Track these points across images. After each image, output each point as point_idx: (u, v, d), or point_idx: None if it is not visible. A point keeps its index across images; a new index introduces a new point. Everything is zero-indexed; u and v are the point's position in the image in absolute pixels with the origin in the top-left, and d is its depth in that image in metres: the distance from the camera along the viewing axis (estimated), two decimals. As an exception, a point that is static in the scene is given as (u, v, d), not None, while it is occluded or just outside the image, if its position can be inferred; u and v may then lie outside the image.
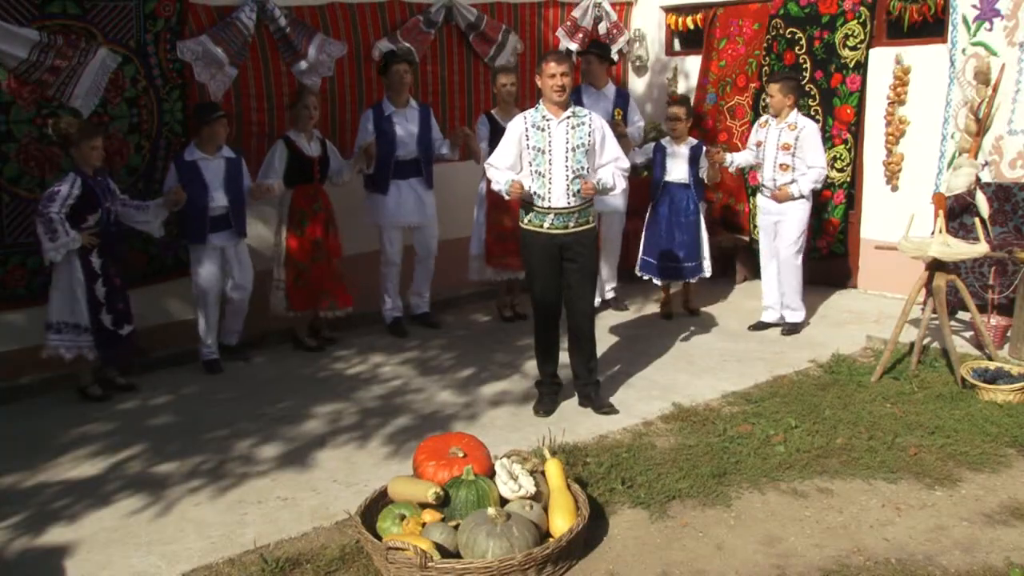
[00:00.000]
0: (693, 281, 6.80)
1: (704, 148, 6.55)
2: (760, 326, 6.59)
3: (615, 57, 8.44)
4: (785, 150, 6.21)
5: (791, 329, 6.45)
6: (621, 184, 5.03)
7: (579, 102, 6.57)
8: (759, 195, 6.55)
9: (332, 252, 6.30)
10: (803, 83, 7.34)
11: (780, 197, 6.26)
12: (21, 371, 5.61)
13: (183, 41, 5.98)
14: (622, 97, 6.97)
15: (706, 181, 6.60)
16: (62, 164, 5.63)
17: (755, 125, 6.56)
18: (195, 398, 5.53)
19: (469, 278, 7.00)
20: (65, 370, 5.66)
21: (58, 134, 5.35)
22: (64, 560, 3.66)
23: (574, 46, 8.10)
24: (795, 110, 6.26)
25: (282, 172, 6.04)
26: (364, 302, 6.75)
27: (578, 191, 4.81)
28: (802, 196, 6.22)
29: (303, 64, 6.59)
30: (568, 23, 8.14)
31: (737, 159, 6.57)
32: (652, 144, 6.82)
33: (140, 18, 5.79)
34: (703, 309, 7.10)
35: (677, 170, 6.58)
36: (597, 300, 7.09)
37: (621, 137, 6.67)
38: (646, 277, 6.84)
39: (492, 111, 6.68)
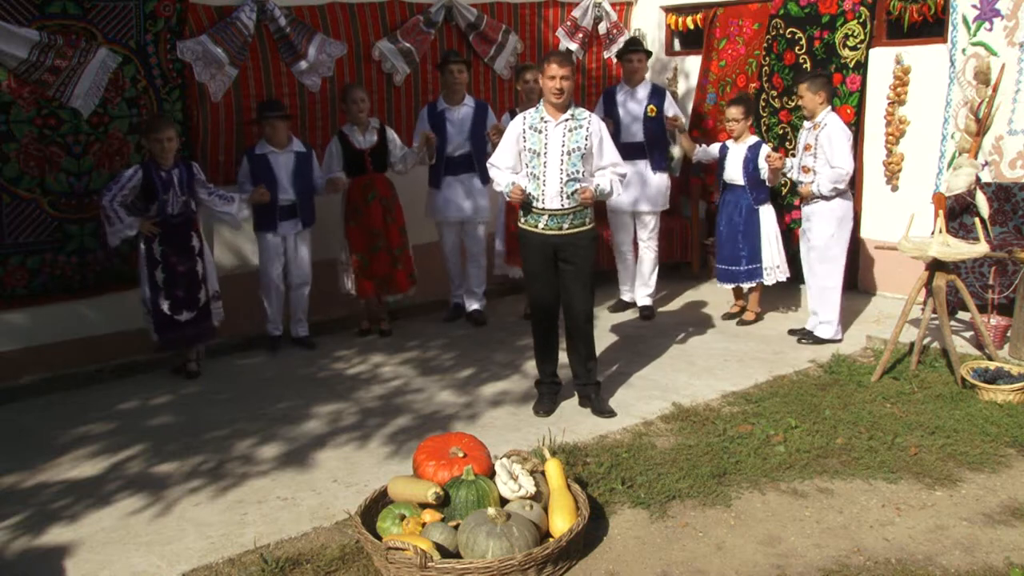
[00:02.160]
0: (750, 285, 6.57)
1: (761, 150, 6.30)
2: (799, 332, 6.33)
3: (614, 58, 8.48)
4: (807, 151, 5.99)
5: (814, 340, 6.13)
6: (619, 189, 5.01)
7: (613, 100, 6.73)
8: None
9: (392, 241, 6.44)
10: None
11: (803, 195, 6.05)
12: (21, 371, 5.61)
13: (183, 41, 5.98)
14: (658, 93, 6.87)
15: (767, 183, 6.36)
16: (62, 164, 5.64)
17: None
18: (195, 398, 5.53)
19: (495, 273, 7.11)
20: (64, 369, 5.69)
21: (138, 128, 5.77)
22: (64, 560, 3.65)
23: (574, 46, 8.11)
24: (828, 108, 5.94)
25: (341, 165, 6.34)
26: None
27: (573, 193, 4.80)
28: (822, 196, 5.90)
29: (303, 64, 6.59)
30: (568, 23, 8.14)
31: (795, 164, 6.27)
32: (718, 145, 6.66)
33: (140, 18, 5.79)
34: (706, 311, 7.10)
35: (733, 171, 6.45)
36: (629, 296, 7.11)
37: (682, 132, 6.73)
38: (718, 284, 6.77)
39: (516, 108, 6.69)
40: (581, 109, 4.94)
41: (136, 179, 5.45)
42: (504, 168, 4.91)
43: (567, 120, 4.80)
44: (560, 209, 4.81)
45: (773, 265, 6.49)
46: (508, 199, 4.88)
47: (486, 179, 6.52)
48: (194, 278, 5.71)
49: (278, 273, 6.26)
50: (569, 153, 4.78)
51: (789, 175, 6.30)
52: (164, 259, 5.59)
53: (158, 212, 5.53)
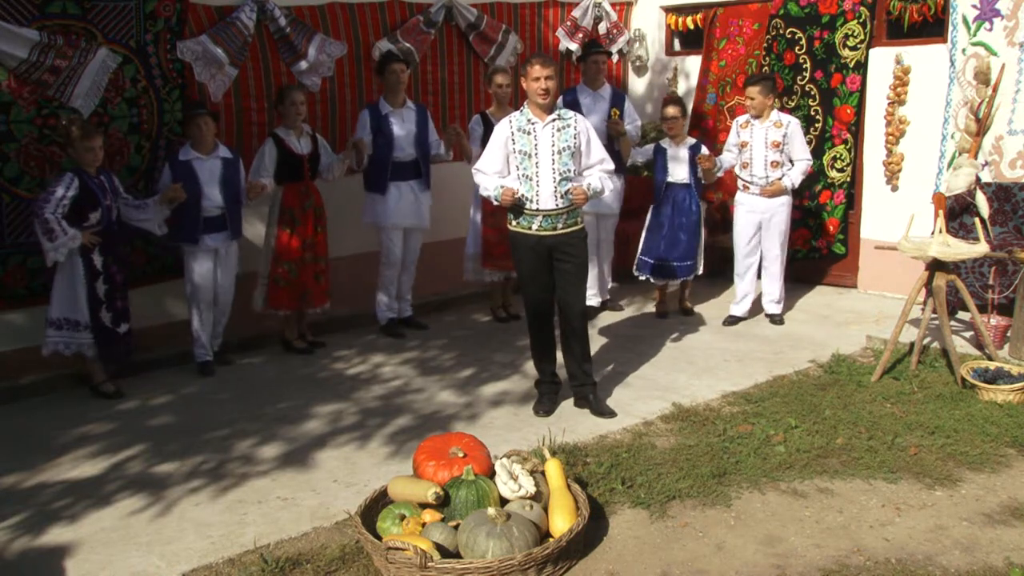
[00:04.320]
0: (690, 279, 6.86)
1: (698, 151, 6.57)
2: (732, 320, 6.74)
3: (615, 57, 8.48)
4: (775, 148, 6.38)
5: (778, 319, 6.72)
6: (609, 186, 5.01)
7: (576, 103, 6.60)
8: (741, 193, 6.60)
9: (318, 252, 6.26)
10: (803, 83, 7.36)
11: (773, 192, 6.41)
12: (21, 371, 5.61)
13: (183, 41, 5.98)
14: (619, 97, 6.93)
15: (704, 181, 6.65)
16: (62, 164, 5.63)
17: (734, 126, 6.63)
18: (195, 398, 5.53)
19: (464, 278, 6.99)
20: (65, 369, 5.68)
21: (60, 133, 5.36)
22: (64, 560, 3.65)
23: (574, 46, 8.11)
24: (775, 109, 6.47)
25: (272, 170, 6.03)
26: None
27: (566, 193, 4.80)
28: (793, 188, 6.51)
29: (303, 64, 6.59)
30: (568, 23, 8.14)
31: (724, 163, 6.62)
32: (652, 145, 6.81)
33: (140, 18, 5.79)
34: (698, 309, 7.11)
35: (678, 171, 6.60)
36: (597, 300, 7.10)
37: (620, 136, 6.67)
38: (643, 277, 6.84)
39: (488, 111, 6.66)
40: (566, 109, 4.96)
41: (74, 187, 5.15)
42: (491, 173, 4.90)
43: (554, 120, 4.80)
44: (554, 209, 4.81)
45: (702, 255, 6.80)
46: (497, 203, 4.87)
47: (428, 185, 6.55)
48: (126, 288, 5.48)
49: (208, 288, 5.84)
50: (560, 152, 4.78)
51: (719, 174, 6.72)
52: (105, 269, 5.31)
53: (100, 220, 5.27)
